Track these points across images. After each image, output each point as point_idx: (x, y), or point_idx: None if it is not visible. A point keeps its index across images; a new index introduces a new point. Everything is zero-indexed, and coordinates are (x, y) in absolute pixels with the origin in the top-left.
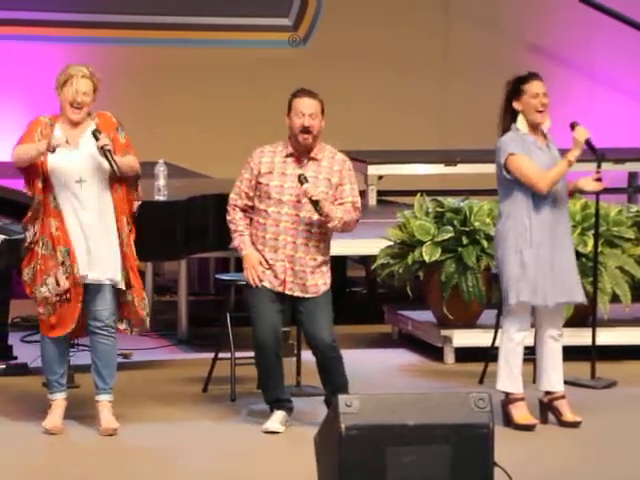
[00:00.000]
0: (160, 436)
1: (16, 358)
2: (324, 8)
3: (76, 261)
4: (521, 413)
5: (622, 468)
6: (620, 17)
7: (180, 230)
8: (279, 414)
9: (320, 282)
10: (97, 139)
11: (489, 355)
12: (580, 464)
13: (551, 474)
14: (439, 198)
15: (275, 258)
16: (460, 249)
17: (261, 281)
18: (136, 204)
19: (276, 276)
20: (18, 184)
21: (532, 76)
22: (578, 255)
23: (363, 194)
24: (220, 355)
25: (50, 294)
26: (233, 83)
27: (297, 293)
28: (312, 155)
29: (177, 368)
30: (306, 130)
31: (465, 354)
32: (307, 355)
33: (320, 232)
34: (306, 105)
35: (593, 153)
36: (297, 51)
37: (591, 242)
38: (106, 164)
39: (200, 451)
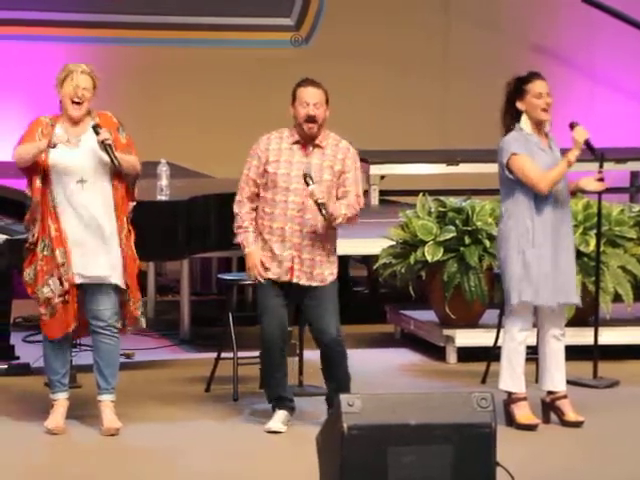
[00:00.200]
0: (162, 436)
1: (18, 358)
2: (326, 8)
3: (71, 263)
4: (523, 413)
5: (624, 468)
6: (622, 17)
7: (182, 230)
8: (281, 414)
9: (327, 272)
10: (97, 133)
11: (491, 355)
12: (582, 464)
13: (553, 474)
14: (441, 198)
15: (282, 247)
16: (462, 249)
17: (266, 271)
18: (131, 205)
19: (283, 265)
20: (19, 184)
21: (535, 76)
22: (580, 255)
23: (365, 194)
24: (222, 355)
25: (53, 294)
26: (234, 83)
27: (303, 281)
28: (317, 142)
29: (179, 368)
30: (311, 119)
31: (467, 354)
32: (309, 355)
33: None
34: (310, 94)
35: (592, 153)
36: (299, 51)
37: (593, 242)
38: (106, 158)
39: (202, 451)
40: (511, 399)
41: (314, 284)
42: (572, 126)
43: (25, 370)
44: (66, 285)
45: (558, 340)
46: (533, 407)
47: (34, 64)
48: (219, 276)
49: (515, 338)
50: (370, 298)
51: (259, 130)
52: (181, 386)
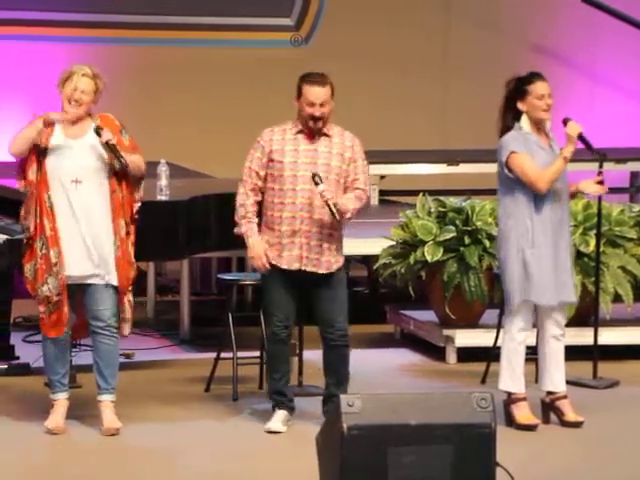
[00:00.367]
0: (162, 436)
1: (18, 358)
2: (326, 8)
3: (63, 263)
4: (523, 413)
5: (624, 468)
6: (622, 17)
7: (182, 230)
8: (281, 414)
9: (332, 259)
10: (99, 135)
11: (491, 355)
12: (582, 464)
13: (553, 474)
14: (441, 198)
15: (293, 235)
16: (462, 249)
17: (279, 258)
18: (136, 205)
19: (293, 253)
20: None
21: (536, 76)
22: (580, 255)
23: None
24: (222, 355)
25: (51, 293)
26: (234, 83)
27: (310, 268)
28: (324, 131)
29: (179, 368)
30: (317, 119)
31: (467, 354)
32: (309, 355)
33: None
34: (316, 94)
35: (588, 149)
36: (299, 51)
37: (593, 242)
38: (107, 157)
39: (202, 451)
40: (511, 399)
41: (320, 271)
42: (565, 122)
43: (25, 370)
44: (60, 285)
45: (558, 340)
46: (533, 407)
47: (34, 64)
48: (219, 276)
49: (515, 338)
50: (370, 298)
51: (259, 130)
52: (181, 386)
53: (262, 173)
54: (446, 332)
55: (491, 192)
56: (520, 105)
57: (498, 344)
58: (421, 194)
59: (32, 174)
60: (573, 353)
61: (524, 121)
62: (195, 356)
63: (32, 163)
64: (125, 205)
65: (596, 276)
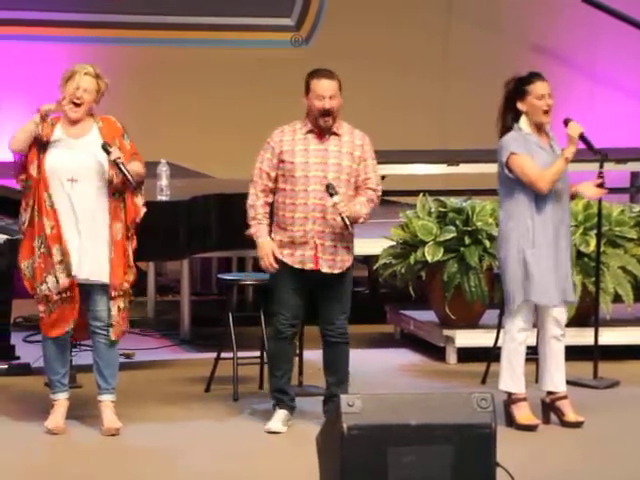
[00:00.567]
0: (162, 436)
1: (18, 358)
2: (326, 8)
3: (70, 260)
4: (523, 413)
5: (625, 468)
6: (622, 17)
7: (182, 230)
8: (281, 413)
9: (345, 258)
10: (108, 153)
11: (491, 355)
12: (583, 464)
13: (553, 474)
14: (441, 198)
15: (305, 236)
16: (462, 249)
17: (291, 257)
18: (141, 212)
19: (306, 253)
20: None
21: (536, 76)
22: (580, 255)
23: None
24: (222, 355)
25: (51, 292)
26: (234, 83)
27: (326, 269)
28: (333, 130)
29: (179, 368)
30: (327, 113)
31: (467, 354)
32: (309, 355)
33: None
34: (325, 87)
35: (589, 149)
36: (299, 51)
37: (593, 242)
38: (106, 162)
39: (202, 451)
40: (511, 399)
41: (336, 272)
42: (566, 122)
43: (25, 370)
44: (65, 282)
45: (558, 340)
46: (533, 407)
47: (34, 64)
48: (219, 276)
49: (515, 338)
50: (370, 298)
51: (259, 130)
52: (181, 386)
53: (273, 174)
54: (446, 332)
55: (491, 192)
56: (520, 105)
57: (498, 344)
58: (421, 194)
59: (33, 170)
60: (573, 353)
61: (523, 122)
62: (195, 356)
63: (33, 160)
64: (125, 209)
65: (596, 276)
